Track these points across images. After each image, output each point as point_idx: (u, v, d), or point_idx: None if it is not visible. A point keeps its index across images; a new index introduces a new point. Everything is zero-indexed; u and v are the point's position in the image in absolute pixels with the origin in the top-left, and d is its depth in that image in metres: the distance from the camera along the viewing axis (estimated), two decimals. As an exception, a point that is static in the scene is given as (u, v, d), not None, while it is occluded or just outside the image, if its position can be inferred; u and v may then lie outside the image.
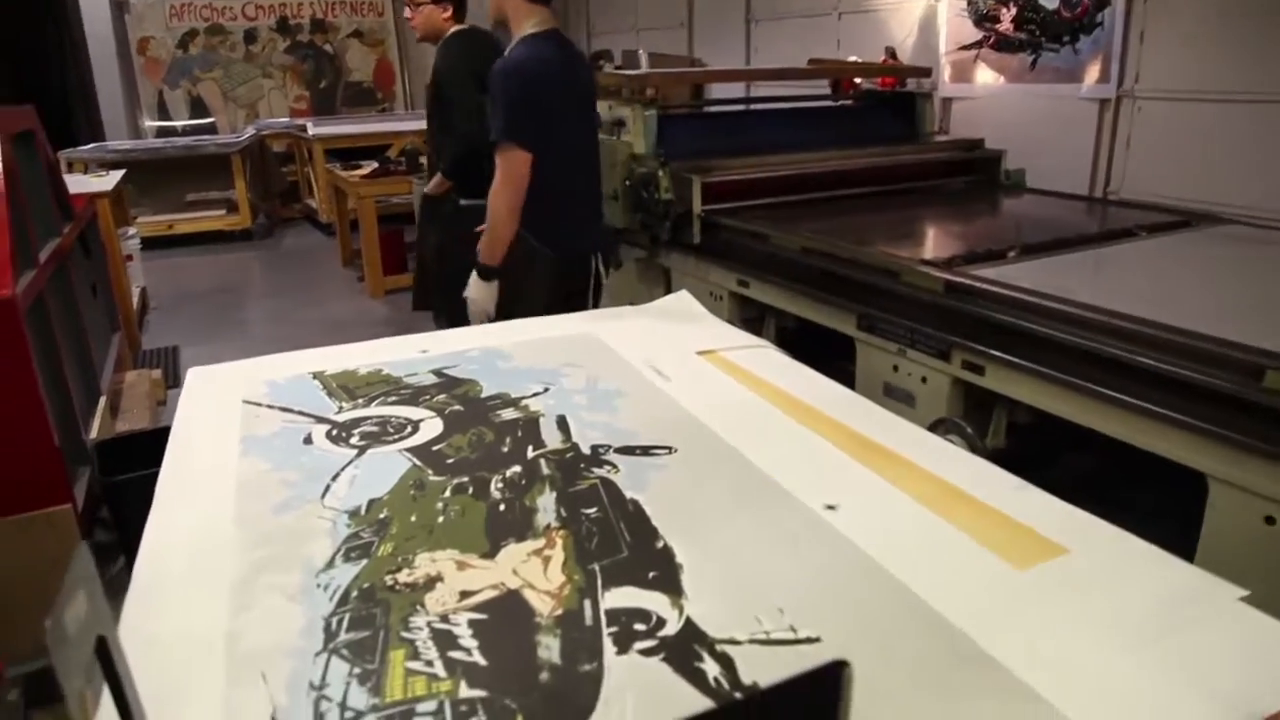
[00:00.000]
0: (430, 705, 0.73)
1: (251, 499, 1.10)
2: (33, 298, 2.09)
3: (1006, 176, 3.59)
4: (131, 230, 5.21)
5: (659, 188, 3.13)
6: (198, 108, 9.32)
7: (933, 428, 2.15)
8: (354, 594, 0.90)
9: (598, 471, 1.16)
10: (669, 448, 1.23)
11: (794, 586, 0.89)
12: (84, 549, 0.67)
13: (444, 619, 0.85)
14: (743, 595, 0.88)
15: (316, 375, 1.55)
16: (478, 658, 0.79)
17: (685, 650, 0.79)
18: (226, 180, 7.51)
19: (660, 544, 0.98)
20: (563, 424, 1.32)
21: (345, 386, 1.49)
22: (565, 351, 1.65)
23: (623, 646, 0.80)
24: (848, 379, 2.41)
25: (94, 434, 2.51)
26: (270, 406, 1.41)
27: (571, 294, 2.70)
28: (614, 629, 0.83)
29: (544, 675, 0.76)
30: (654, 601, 0.87)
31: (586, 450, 1.23)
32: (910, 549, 0.96)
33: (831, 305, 2.53)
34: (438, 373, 1.55)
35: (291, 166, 8.72)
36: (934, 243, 2.89)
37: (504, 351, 1.66)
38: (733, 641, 0.80)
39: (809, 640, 0.80)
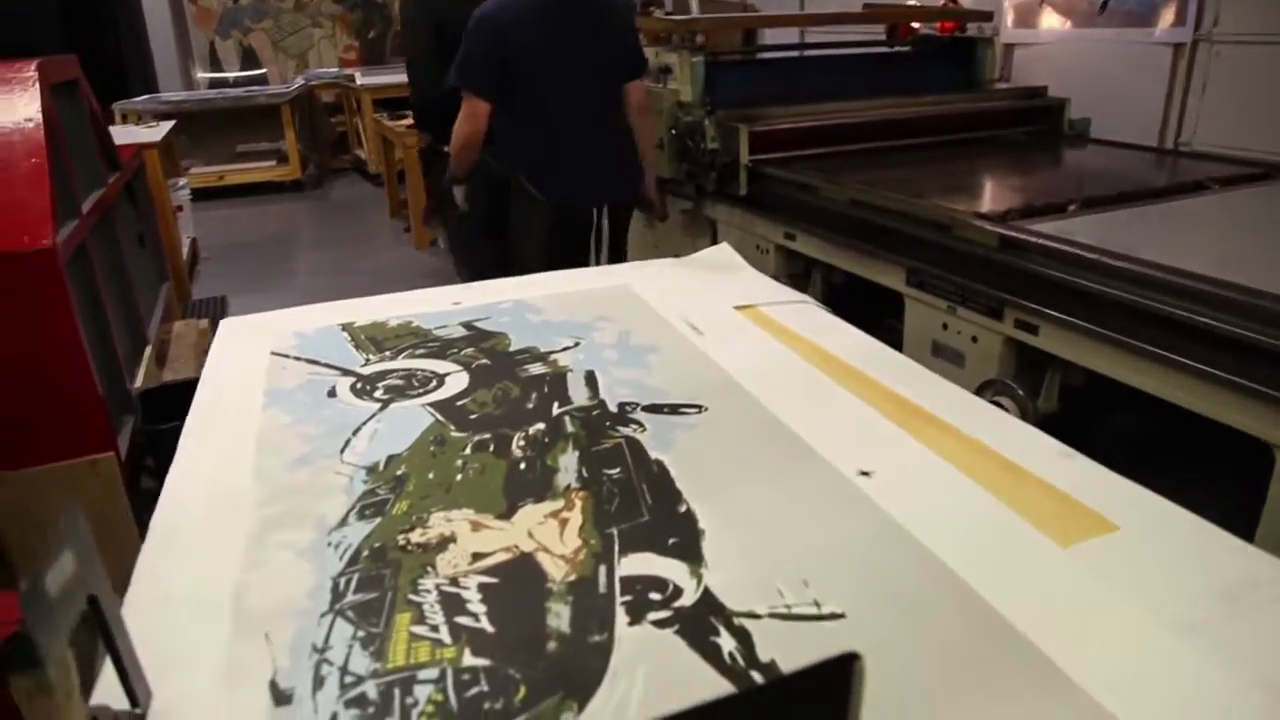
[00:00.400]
0: (432, 673, 0.70)
1: (270, 453, 1.09)
2: (75, 247, 2.10)
3: (1070, 126, 3.42)
4: (182, 181, 5.25)
5: (705, 137, 3.04)
6: (249, 58, 9.36)
7: (982, 389, 2.07)
8: (365, 553, 0.87)
9: (623, 430, 1.12)
10: (699, 407, 1.18)
11: (821, 558, 0.84)
12: (74, 507, 0.65)
13: (454, 582, 0.82)
14: (766, 565, 0.83)
15: (346, 327, 1.53)
16: (484, 624, 0.76)
17: (701, 623, 0.75)
18: (277, 131, 7.55)
19: (683, 508, 0.94)
20: (591, 380, 1.28)
21: (373, 338, 1.47)
22: (598, 305, 1.60)
23: (636, 617, 0.76)
24: (896, 337, 2.34)
25: (139, 383, 2.54)
26: (297, 359, 1.40)
27: (570, 243, 2.71)
28: (628, 598, 0.79)
29: (551, 645, 0.73)
30: (672, 569, 0.83)
31: (613, 408, 1.19)
32: (947, 521, 0.90)
33: (880, 260, 2.44)
34: (467, 325, 1.52)
35: (341, 117, 8.74)
36: (990, 195, 2.77)
37: (536, 304, 1.62)
38: (752, 615, 0.76)
39: (833, 616, 0.76)
